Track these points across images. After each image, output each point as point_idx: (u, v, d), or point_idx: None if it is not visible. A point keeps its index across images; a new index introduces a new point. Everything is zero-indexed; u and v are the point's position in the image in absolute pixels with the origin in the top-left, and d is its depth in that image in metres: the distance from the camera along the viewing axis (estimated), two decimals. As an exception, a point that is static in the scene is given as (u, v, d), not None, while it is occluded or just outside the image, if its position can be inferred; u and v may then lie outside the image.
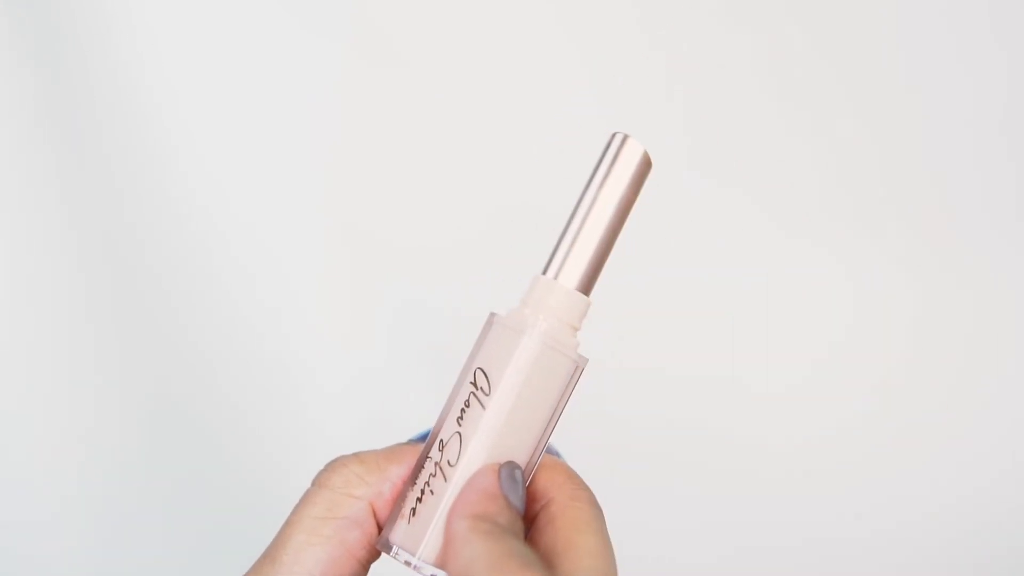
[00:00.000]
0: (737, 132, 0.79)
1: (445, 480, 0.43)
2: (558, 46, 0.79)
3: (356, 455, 0.46)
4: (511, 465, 0.43)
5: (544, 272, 0.43)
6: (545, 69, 0.79)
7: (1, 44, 0.76)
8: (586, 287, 0.43)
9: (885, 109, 0.79)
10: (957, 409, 0.79)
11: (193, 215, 0.79)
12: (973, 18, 0.79)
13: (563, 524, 0.43)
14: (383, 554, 0.45)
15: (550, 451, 0.45)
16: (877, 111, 0.80)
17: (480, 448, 0.43)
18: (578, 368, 0.43)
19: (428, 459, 0.44)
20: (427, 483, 0.44)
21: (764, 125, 0.79)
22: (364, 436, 0.77)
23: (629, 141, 0.44)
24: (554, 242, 0.43)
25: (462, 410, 0.43)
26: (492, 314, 0.43)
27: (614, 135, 0.44)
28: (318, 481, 0.46)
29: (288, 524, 0.46)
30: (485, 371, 0.43)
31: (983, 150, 0.80)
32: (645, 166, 0.44)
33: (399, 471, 0.45)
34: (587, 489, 0.45)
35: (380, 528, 0.45)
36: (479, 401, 0.43)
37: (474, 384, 0.43)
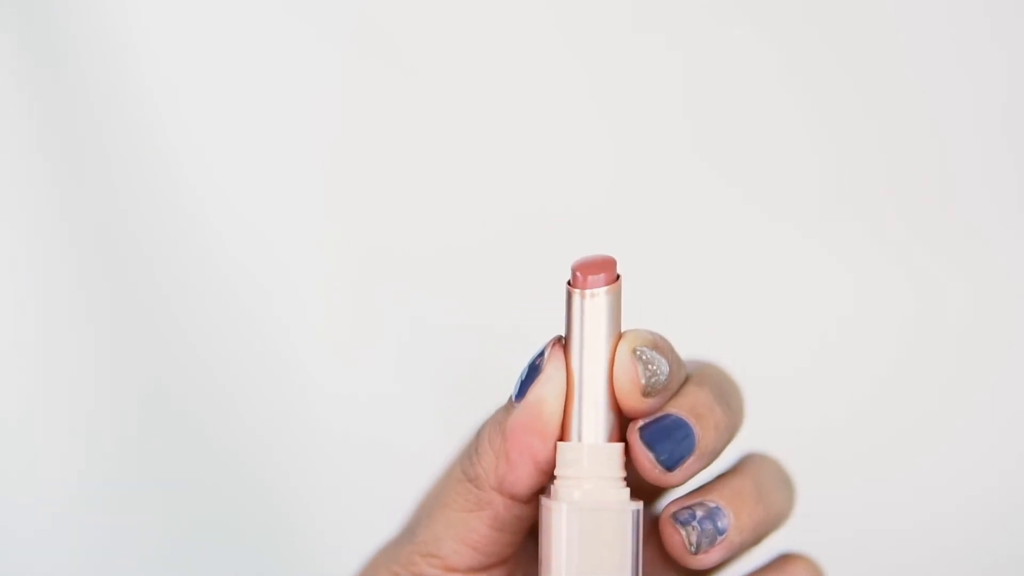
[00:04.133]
0: (734, 123, 0.79)
1: None
2: (566, 46, 0.79)
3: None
4: None
5: (563, 439, 0.40)
6: (554, 70, 0.79)
7: (1, 44, 0.76)
8: (608, 436, 0.40)
9: (886, 101, 0.79)
10: (956, 403, 0.79)
11: (195, 219, 0.78)
12: (973, 14, 0.79)
13: None
14: None
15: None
16: (878, 104, 0.80)
17: None
18: (637, 513, 0.40)
19: None
20: None
21: (763, 119, 0.79)
22: (368, 441, 0.77)
23: (587, 296, 0.40)
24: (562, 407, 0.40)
25: None
26: (541, 498, 0.41)
27: (571, 292, 0.40)
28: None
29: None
30: (541, 555, 0.40)
31: (985, 143, 0.80)
32: (615, 301, 0.40)
33: None
34: None
35: None
36: None
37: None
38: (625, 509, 0.40)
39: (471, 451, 0.41)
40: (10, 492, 0.77)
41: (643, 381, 0.39)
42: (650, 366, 0.39)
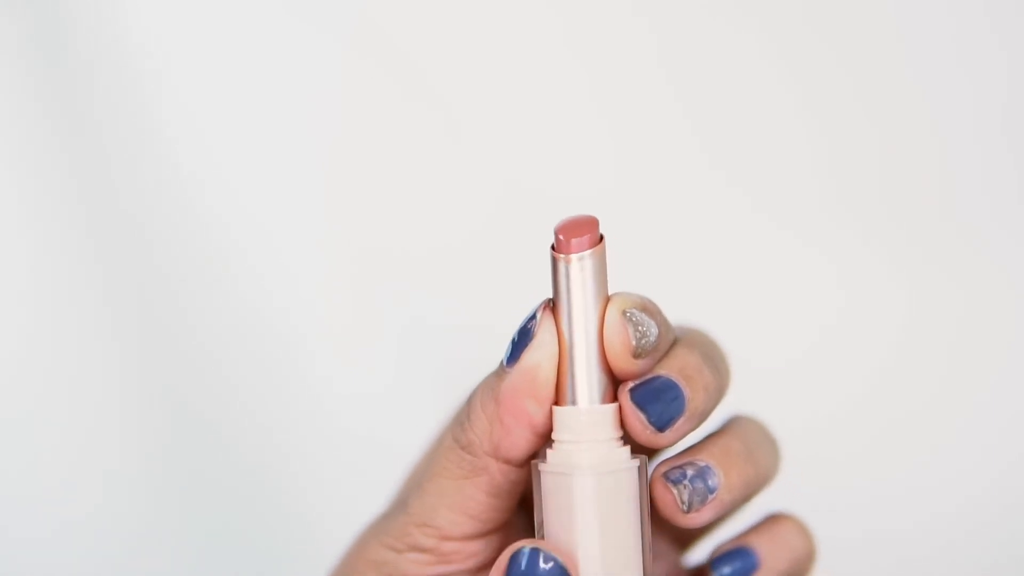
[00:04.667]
0: (733, 123, 0.80)
1: None
2: (565, 46, 0.79)
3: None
4: None
5: (558, 403, 0.40)
6: (554, 71, 0.79)
7: (1, 44, 0.76)
8: (602, 398, 0.40)
9: (884, 102, 0.80)
10: (950, 402, 0.79)
11: (195, 219, 0.79)
12: (973, 15, 0.79)
13: None
14: None
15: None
16: (876, 104, 0.80)
17: None
18: (640, 468, 0.40)
19: None
20: None
21: (762, 119, 0.79)
22: (368, 440, 0.77)
23: (573, 260, 0.40)
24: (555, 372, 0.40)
25: None
26: (534, 463, 0.41)
27: (556, 258, 0.40)
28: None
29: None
30: (545, 524, 0.40)
31: (983, 144, 0.80)
32: (600, 262, 0.40)
33: None
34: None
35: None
36: None
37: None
38: (630, 467, 0.40)
39: (462, 418, 0.41)
40: (13, 491, 0.77)
41: (633, 342, 0.39)
42: (640, 327, 0.40)
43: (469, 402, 0.42)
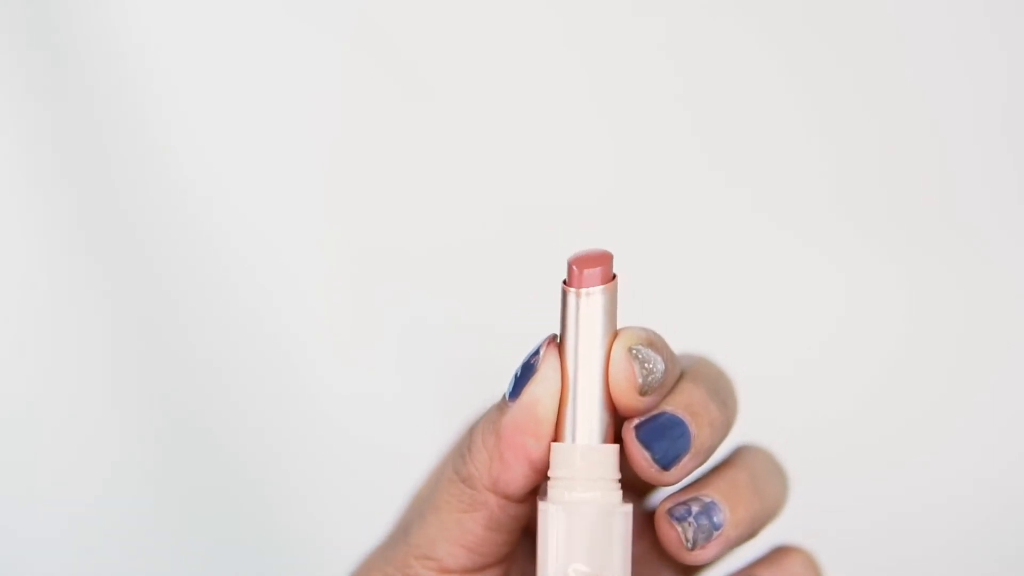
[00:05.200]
0: (733, 124, 0.79)
1: None
2: (566, 46, 0.79)
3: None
4: None
5: (556, 439, 0.40)
6: (554, 71, 0.79)
7: (1, 44, 0.76)
8: (603, 437, 0.40)
9: (884, 102, 0.79)
10: (952, 404, 0.79)
11: (195, 220, 0.78)
12: (972, 15, 0.79)
13: None
14: None
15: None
16: (876, 105, 0.80)
17: None
18: (626, 516, 0.40)
19: None
20: None
21: (762, 119, 0.79)
22: (368, 441, 0.77)
23: (583, 295, 0.40)
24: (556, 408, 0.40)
25: None
26: (537, 498, 0.41)
27: (566, 292, 0.40)
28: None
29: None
30: (538, 560, 0.40)
31: (983, 145, 0.80)
32: (611, 300, 0.40)
33: None
34: None
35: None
36: None
37: None
38: (615, 512, 0.40)
39: (463, 450, 0.41)
40: (9, 493, 0.77)
41: (640, 380, 0.39)
42: (646, 364, 0.39)
43: (471, 433, 0.41)
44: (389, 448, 0.67)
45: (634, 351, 0.39)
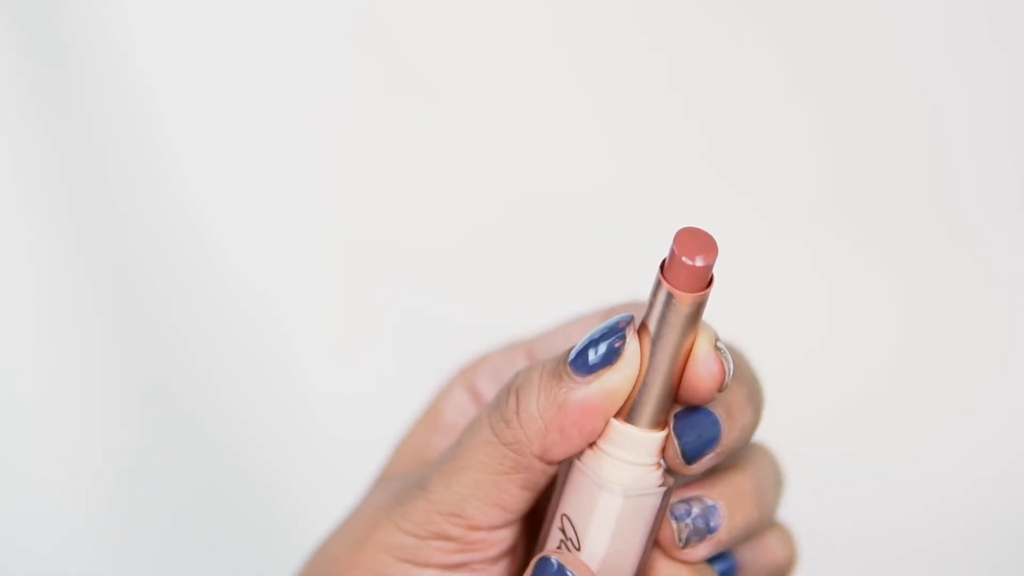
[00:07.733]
0: (732, 124, 0.80)
1: None
2: (565, 45, 0.79)
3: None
4: None
5: (616, 416, 0.40)
6: (553, 70, 0.79)
7: (1, 44, 0.76)
8: (658, 423, 0.40)
9: (882, 103, 0.80)
10: (949, 403, 0.79)
11: (195, 219, 0.79)
12: (972, 15, 0.79)
13: None
14: None
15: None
16: (874, 106, 0.80)
17: None
18: (666, 492, 0.41)
19: None
20: None
21: (760, 120, 0.79)
22: (368, 440, 0.77)
23: (686, 298, 0.39)
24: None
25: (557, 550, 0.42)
26: (573, 461, 0.41)
27: (670, 294, 0.39)
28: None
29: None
30: (572, 520, 0.41)
31: (982, 147, 0.80)
32: (698, 305, 0.39)
33: None
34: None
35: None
36: (569, 549, 0.41)
37: (563, 531, 0.41)
38: (657, 493, 0.40)
39: (507, 414, 0.41)
40: (7, 493, 0.77)
41: (727, 376, 0.39)
42: (728, 361, 0.40)
43: (515, 396, 0.41)
44: (389, 447, 0.67)
45: (718, 345, 0.40)
